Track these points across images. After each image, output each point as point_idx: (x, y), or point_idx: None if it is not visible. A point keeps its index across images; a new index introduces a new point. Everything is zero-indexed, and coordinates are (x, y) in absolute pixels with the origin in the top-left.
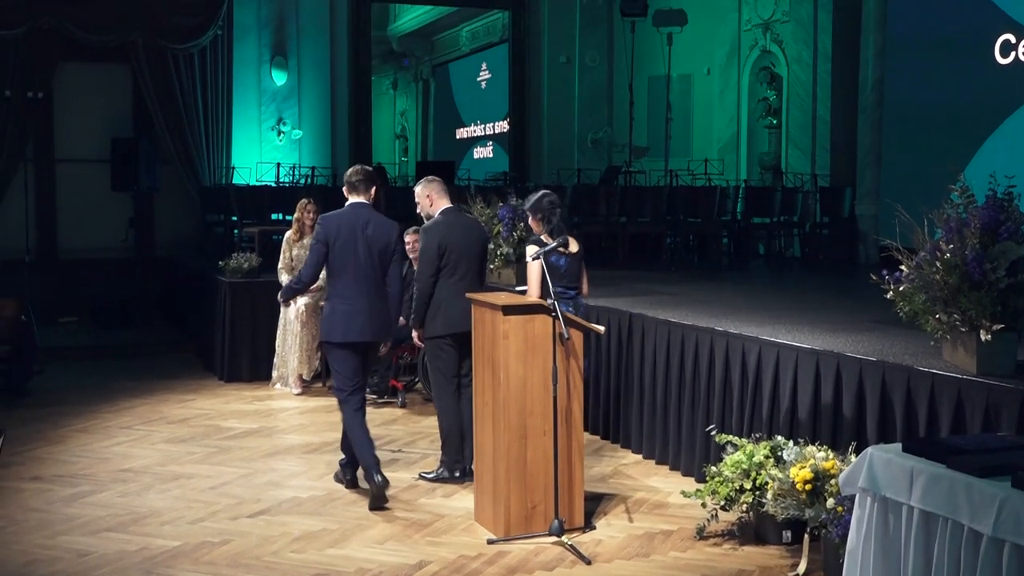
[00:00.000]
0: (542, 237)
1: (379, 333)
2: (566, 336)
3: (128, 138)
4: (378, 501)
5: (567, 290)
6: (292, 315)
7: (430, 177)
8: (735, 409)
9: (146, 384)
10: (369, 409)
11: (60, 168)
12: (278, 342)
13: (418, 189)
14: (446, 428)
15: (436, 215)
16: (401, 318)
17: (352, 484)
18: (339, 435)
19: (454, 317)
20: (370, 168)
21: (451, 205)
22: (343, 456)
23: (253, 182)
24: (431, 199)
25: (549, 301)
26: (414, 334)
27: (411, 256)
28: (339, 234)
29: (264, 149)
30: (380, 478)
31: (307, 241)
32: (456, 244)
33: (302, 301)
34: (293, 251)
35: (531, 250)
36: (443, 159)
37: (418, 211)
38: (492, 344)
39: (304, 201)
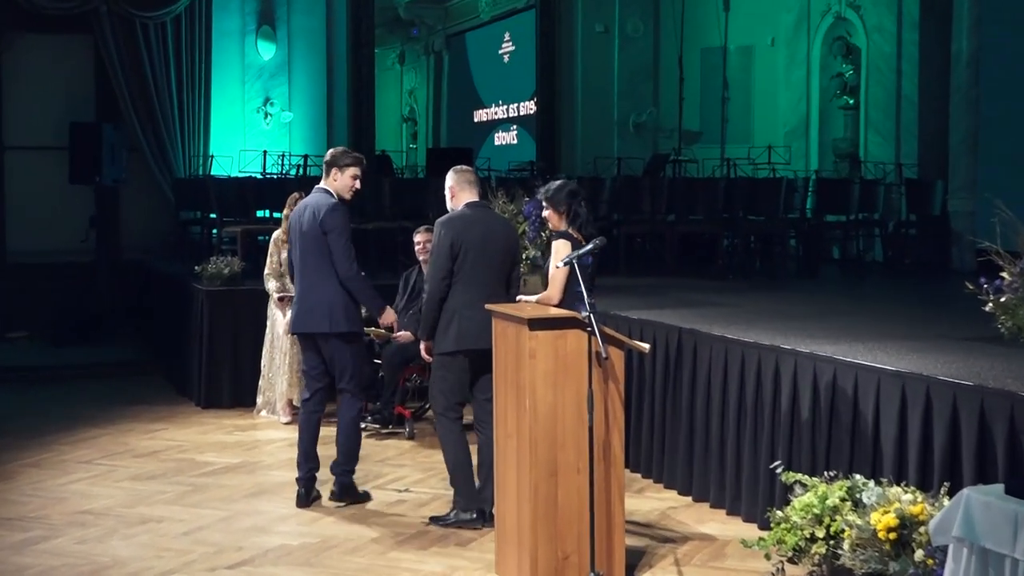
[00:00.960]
0: (570, 232)
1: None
2: (604, 355)
3: (89, 122)
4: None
5: (592, 295)
6: (281, 329)
7: (459, 167)
8: (805, 442)
9: (109, 411)
10: (371, 441)
11: (10, 157)
12: (264, 362)
13: (446, 180)
14: (452, 462)
15: (457, 209)
16: (407, 332)
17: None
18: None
19: (468, 331)
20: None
21: (476, 199)
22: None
23: (235, 173)
24: (453, 191)
25: (584, 313)
26: (422, 347)
27: (420, 259)
28: None
29: (248, 134)
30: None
31: None
32: (474, 244)
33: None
34: (282, 254)
35: (561, 249)
36: (459, 146)
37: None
38: (516, 364)
39: (295, 196)
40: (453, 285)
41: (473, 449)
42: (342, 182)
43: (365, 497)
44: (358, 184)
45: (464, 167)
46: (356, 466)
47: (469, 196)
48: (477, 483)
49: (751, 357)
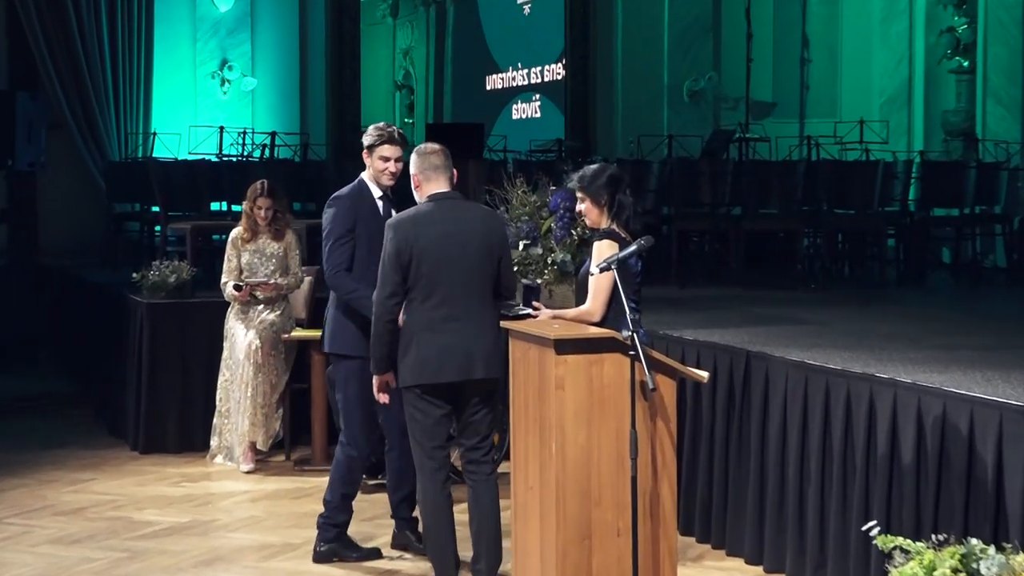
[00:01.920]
0: (615, 229)
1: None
2: (652, 386)
3: (0, 91)
4: None
5: (637, 308)
6: (242, 352)
7: (423, 148)
8: (907, 497)
9: (23, 457)
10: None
11: None
12: (220, 394)
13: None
14: (425, 529)
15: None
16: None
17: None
18: (308, 532)
19: (428, 359)
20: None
21: (445, 190)
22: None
23: (184, 155)
24: (416, 181)
25: (626, 333)
26: (374, 383)
27: None
28: None
29: (201, 106)
30: None
31: (264, 243)
32: (429, 248)
33: (252, 333)
34: (243, 257)
35: (606, 251)
36: (466, 121)
37: None
38: (539, 397)
39: (259, 185)
40: (409, 303)
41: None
42: (373, 167)
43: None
44: (392, 167)
45: (430, 147)
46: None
47: (436, 186)
48: (471, 553)
49: (838, 388)
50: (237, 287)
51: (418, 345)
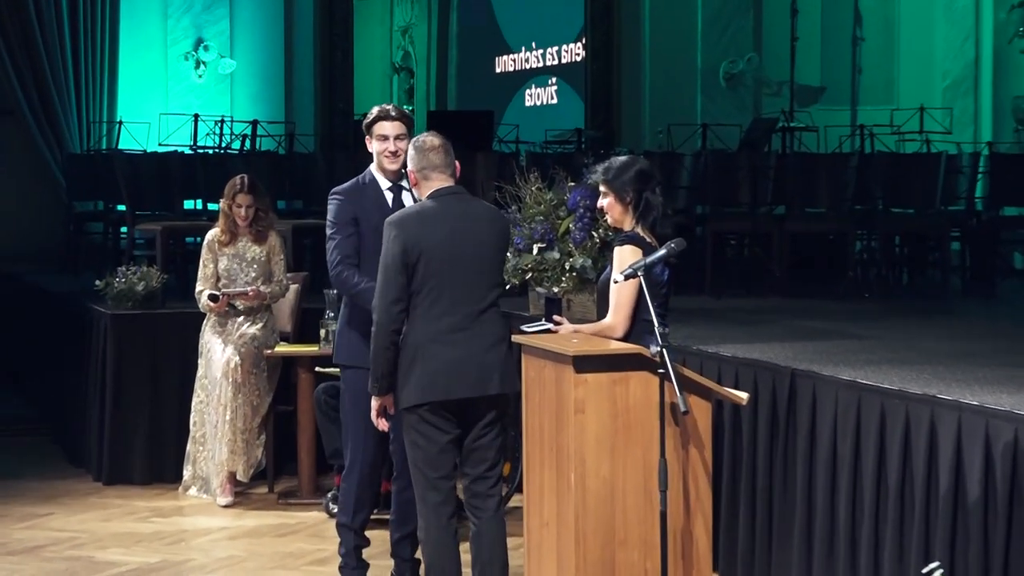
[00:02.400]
0: (639, 232)
1: None
2: (684, 409)
3: None
4: None
5: (663, 322)
6: (218, 370)
7: (421, 139)
8: (974, 535)
9: None
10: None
11: None
12: (194, 419)
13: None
14: (427, 568)
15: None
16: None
17: None
18: (294, 573)
19: (437, 374)
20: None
21: (448, 186)
22: None
23: (154, 147)
24: (413, 178)
25: (655, 349)
26: (373, 405)
27: None
28: None
29: (172, 91)
30: None
31: (244, 246)
32: (437, 249)
33: (230, 349)
34: (220, 262)
35: (628, 257)
36: (473, 108)
37: None
38: (556, 421)
39: (238, 180)
40: (412, 310)
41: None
42: (374, 151)
43: None
44: (391, 145)
45: (429, 142)
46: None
47: (438, 182)
48: None
49: (895, 412)
50: (213, 297)
51: (424, 359)
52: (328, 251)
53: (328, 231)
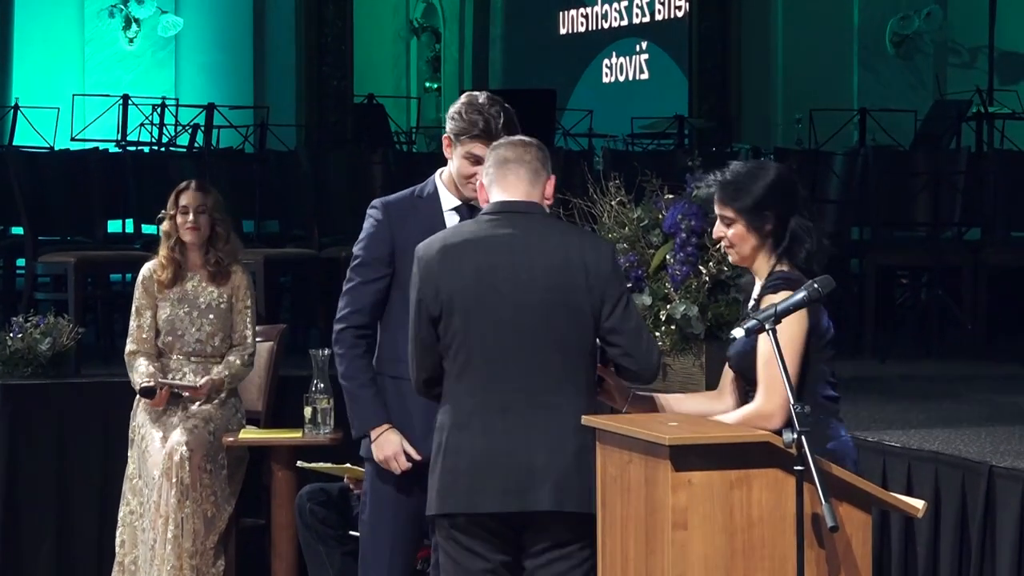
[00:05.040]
0: (788, 270)
1: None
2: (832, 523)
3: None
4: None
5: (835, 396)
6: (157, 467)
7: (507, 141)
8: None
9: None
10: None
11: None
12: (121, 535)
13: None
14: None
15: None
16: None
17: None
18: None
19: (457, 474)
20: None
21: (508, 199)
22: None
23: (64, 143)
24: (481, 187)
25: (788, 436)
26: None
27: None
28: None
29: (91, 63)
30: None
31: (196, 286)
32: (467, 295)
33: (175, 435)
34: (161, 311)
35: (779, 302)
36: (526, 87)
37: None
38: (646, 540)
39: (182, 185)
40: (445, 379)
41: None
42: (456, 168)
43: None
44: (476, 170)
45: (516, 140)
46: None
47: (500, 191)
48: None
49: None
50: (148, 391)
51: (446, 452)
52: (343, 293)
53: (351, 264)
